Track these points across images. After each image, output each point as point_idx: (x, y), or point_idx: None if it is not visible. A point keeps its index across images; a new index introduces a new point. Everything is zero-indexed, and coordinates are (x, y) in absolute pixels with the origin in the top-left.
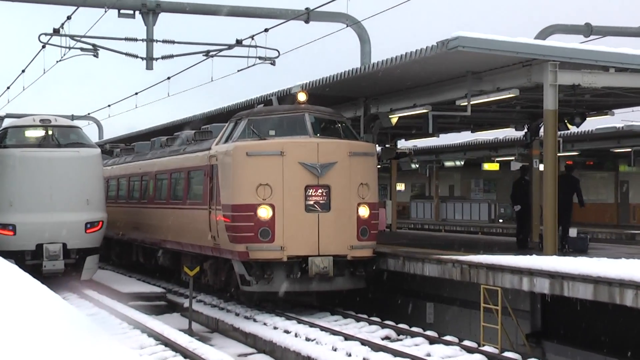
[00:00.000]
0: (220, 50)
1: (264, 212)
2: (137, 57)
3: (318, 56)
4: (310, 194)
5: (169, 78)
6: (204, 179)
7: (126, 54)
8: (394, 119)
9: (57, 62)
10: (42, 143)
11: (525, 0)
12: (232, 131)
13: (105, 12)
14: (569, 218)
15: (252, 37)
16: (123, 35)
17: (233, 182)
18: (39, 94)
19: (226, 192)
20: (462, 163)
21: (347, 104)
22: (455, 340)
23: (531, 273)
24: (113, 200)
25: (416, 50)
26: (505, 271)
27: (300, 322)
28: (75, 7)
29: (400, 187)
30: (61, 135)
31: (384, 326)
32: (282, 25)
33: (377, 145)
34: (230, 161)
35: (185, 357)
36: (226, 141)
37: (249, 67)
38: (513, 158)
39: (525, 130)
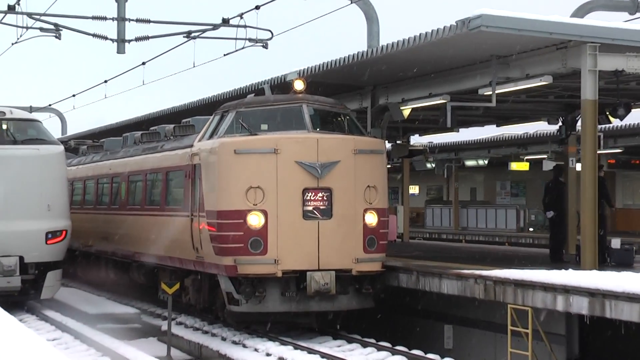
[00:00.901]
0: (204, 31)
1: (255, 220)
2: (106, 38)
3: (318, 38)
4: (308, 198)
5: (144, 63)
6: (184, 181)
7: (94, 35)
8: (407, 110)
9: (12, 44)
10: None
11: None
12: (217, 125)
13: None
14: (605, 226)
15: (240, 15)
16: (90, 13)
17: (219, 184)
18: None
19: (211, 196)
20: (486, 162)
21: (351, 94)
22: None
23: (567, 290)
24: (79, 206)
25: (432, 31)
26: (536, 288)
27: (297, 347)
28: None
29: (414, 190)
30: (17, 130)
31: (394, 352)
32: (275, 1)
33: (386, 141)
34: (216, 160)
35: None
36: (211, 137)
37: (237, 50)
38: (545, 156)
39: (560, 123)
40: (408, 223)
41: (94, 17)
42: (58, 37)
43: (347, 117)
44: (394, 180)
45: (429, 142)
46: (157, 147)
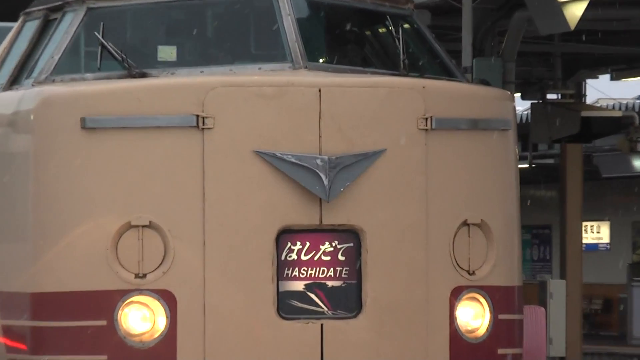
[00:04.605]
0: None
1: (142, 321)
2: None
3: None
4: (294, 257)
5: None
6: None
7: None
8: (577, 6)
9: None
10: None
11: None
12: (33, 48)
13: None
14: None
15: None
16: None
17: (37, 216)
18: None
19: (13, 250)
20: None
21: None
22: None
23: None
24: None
25: None
26: None
27: None
28: None
29: (598, 235)
30: None
31: None
32: None
33: (517, 95)
34: (28, 147)
35: None
36: (15, 81)
37: None
38: None
39: None
40: (580, 328)
41: None
42: None
43: (405, 27)
44: (540, 203)
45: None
46: None
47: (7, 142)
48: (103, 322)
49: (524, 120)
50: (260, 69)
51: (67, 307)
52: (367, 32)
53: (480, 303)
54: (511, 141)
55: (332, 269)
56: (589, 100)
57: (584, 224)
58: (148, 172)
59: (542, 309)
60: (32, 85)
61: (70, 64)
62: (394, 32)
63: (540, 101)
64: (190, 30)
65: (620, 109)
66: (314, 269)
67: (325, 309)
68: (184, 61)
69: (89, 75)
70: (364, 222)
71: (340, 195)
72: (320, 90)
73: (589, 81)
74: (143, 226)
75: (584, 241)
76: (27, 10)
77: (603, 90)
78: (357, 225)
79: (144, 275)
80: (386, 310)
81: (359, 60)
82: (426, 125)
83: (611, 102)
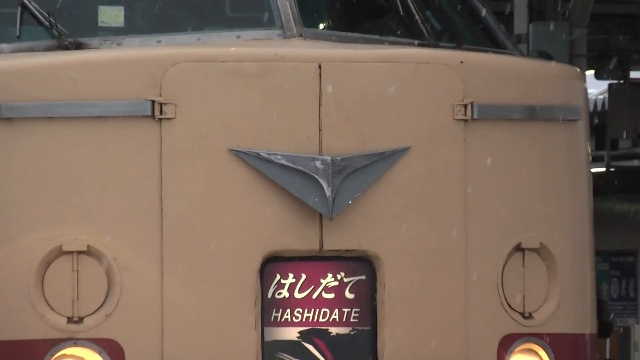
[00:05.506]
0: None
1: None
2: None
3: None
4: (284, 294)
5: None
6: None
7: None
8: None
9: None
10: None
11: None
12: None
13: None
14: None
15: None
16: None
17: None
18: None
19: None
20: None
21: None
22: None
23: None
24: None
25: None
26: None
27: None
28: None
29: None
30: None
31: None
32: None
33: (590, 72)
34: None
35: None
36: None
37: None
38: None
39: None
40: None
41: None
42: None
43: None
44: (621, 221)
45: None
46: None
47: None
48: None
49: (599, 108)
50: (238, 37)
51: None
52: None
53: (539, 357)
54: (581, 136)
55: (336, 311)
56: None
57: None
58: (86, 178)
59: None
60: None
61: None
62: None
63: (621, 81)
64: None
65: None
66: (313, 310)
67: None
68: (134, 27)
69: (4, 46)
70: (380, 246)
71: (348, 210)
72: (320, 67)
73: None
74: (79, 252)
75: None
76: None
77: None
78: (370, 251)
79: (80, 320)
80: None
81: (373, 26)
82: (465, 115)
83: None
